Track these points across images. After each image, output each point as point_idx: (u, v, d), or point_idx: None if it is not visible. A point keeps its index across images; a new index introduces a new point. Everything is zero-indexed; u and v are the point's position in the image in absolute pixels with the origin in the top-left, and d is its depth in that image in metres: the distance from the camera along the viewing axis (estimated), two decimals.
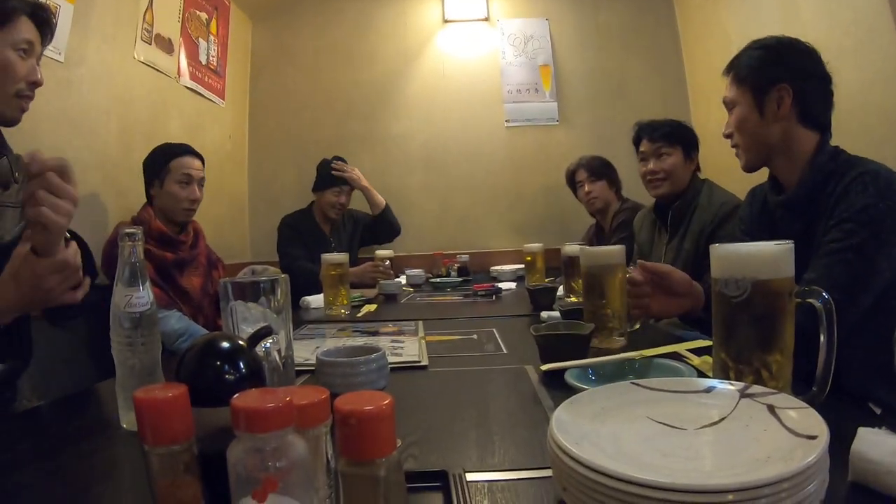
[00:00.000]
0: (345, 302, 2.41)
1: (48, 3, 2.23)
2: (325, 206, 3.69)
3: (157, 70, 3.15)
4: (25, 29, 1.50)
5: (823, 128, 1.59)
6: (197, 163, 2.62)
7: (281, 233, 3.71)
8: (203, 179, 2.64)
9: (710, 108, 2.70)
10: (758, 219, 1.75)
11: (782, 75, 1.58)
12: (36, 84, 1.54)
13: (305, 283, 2.73)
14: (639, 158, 2.64)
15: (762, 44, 1.65)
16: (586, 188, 3.49)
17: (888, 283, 1.43)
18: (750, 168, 1.69)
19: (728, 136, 1.72)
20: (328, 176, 3.69)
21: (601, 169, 3.48)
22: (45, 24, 1.57)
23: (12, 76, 1.48)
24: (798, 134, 1.58)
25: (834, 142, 1.61)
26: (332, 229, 3.79)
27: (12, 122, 1.54)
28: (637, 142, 2.66)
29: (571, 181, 3.67)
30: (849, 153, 1.57)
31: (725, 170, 2.63)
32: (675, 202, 2.47)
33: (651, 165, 2.53)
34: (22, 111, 1.54)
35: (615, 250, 1.64)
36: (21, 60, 1.49)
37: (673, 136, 2.52)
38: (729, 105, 1.70)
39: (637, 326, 1.70)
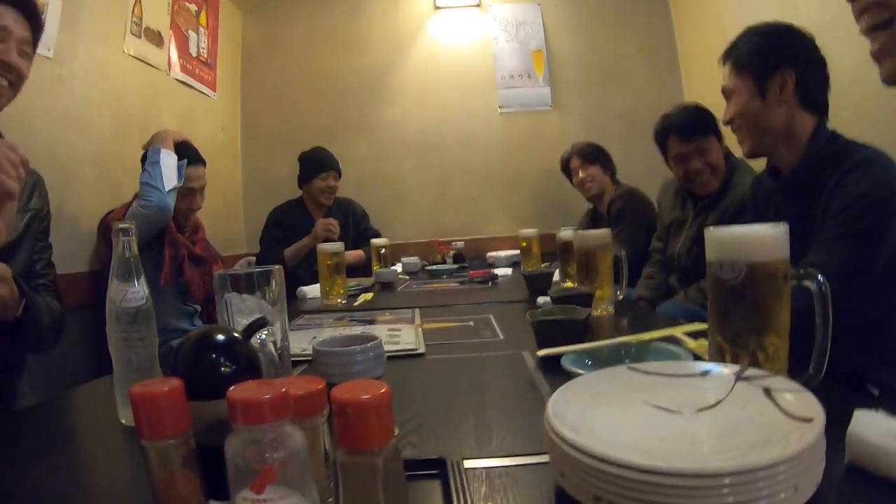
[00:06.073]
0: (341, 291, 2.40)
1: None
2: (316, 194, 3.65)
3: (148, 64, 3.13)
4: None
5: (822, 110, 1.60)
6: (199, 170, 2.64)
7: (264, 227, 3.72)
8: (204, 186, 2.66)
9: (703, 92, 2.69)
10: (763, 207, 1.76)
11: (784, 60, 1.59)
12: (7, 65, 1.46)
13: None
14: (674, 161, 2.52)
15: (759, 30, 1.65)
16: (581, 174, 3.50)
17: (888, 270, 1.45)
18: (752, 154, 1.70)
19: (728, 122, 1.72)
20: (309, 164, 3.67)
21: (594, 154, 3.49)
22: (22, 7, 1.50)
23: None
24: (799, 117, 1.59)
25: (830, 126, 1.61)
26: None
27: None
28: (664, 139, 2.55)
29: (566, 169, 3.68)
30: (845, 137, 1.57)
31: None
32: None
33: (696, 164, 2.41)
34: None
35: (604, 233, 1.88)
36: None
37: (710, 126, 2.42)
38: (727, 93, 1.70)
39: (621, 297, 1.88)
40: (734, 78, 1.68)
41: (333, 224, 3.36)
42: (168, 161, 2.43)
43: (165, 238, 2.49)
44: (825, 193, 1.50)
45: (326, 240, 3.06)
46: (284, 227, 3.63)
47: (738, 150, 1.92)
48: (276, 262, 3.00)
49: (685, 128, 2.44)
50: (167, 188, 2.37)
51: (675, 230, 2.61)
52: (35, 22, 1.55)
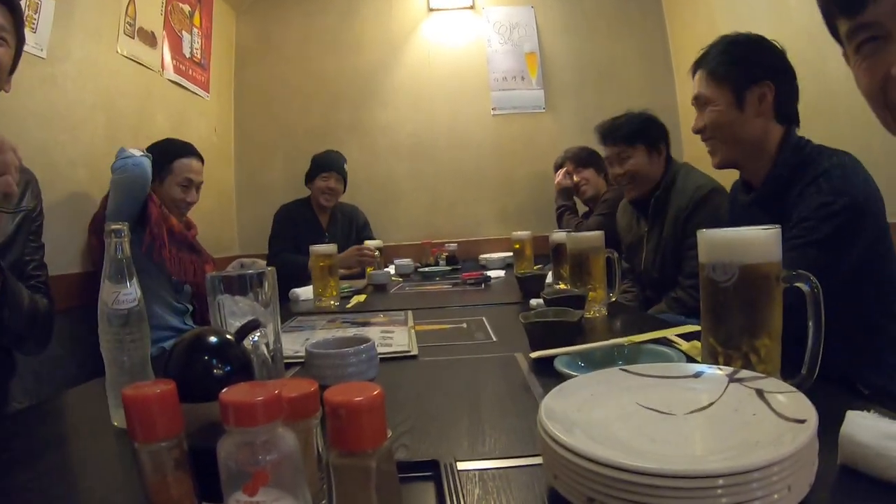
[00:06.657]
0: (334, 293, 2.40)
1: None
2: (317, 193, 3.69)
3: (141, 64, 3.12)
4: None
5: (792, 121, 1.62)
6: (198, 165, 2.66)
7: (274, 224, 3.73)
8: (201, 183, 2.67)
9: None
10: (740, 218, 1.75)
11: (764, 72, 1.59)
12: None
13: (289, 274, 2.72)
14: (606, 162, 2.63)
15: (735, 41, 1.66)
16: (575, 178, 3.52)
17: (865, 268, 1.45)
18: (722, 166, 1.71)
19: (698, 131, 1.72)
20: (315, 164, 3.70)
21: (587, 158, 3.52)
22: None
23: None
24: (771, 129, 1.60)
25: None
26: (329, 223, 3.78)
27: None
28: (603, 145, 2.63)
29: None
30: (814, 143, 1.58)
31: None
32: (655, 193, 2.45)
33: (616, 170, 2.49)
34: None
35: (596, 236, 1.88)
36: None
37: (632, 135, 2.47)
38: (701, 101, 1.70)
39: (614, 299, 1.91)
40: (711, 87, 1.67)
41: (369, 253, 3.31)
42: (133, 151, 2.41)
43: (149, 204, 2.45)
44: (793, 202, 1.51)
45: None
46: (292, 225, 3.66)
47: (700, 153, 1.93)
48: (291, 266, 3.05)
49: (604, 135, 2.56)
50: (139, 155, 2.36)
51: (636, 247, 2.63)
52: (10, 5, 1.44)
